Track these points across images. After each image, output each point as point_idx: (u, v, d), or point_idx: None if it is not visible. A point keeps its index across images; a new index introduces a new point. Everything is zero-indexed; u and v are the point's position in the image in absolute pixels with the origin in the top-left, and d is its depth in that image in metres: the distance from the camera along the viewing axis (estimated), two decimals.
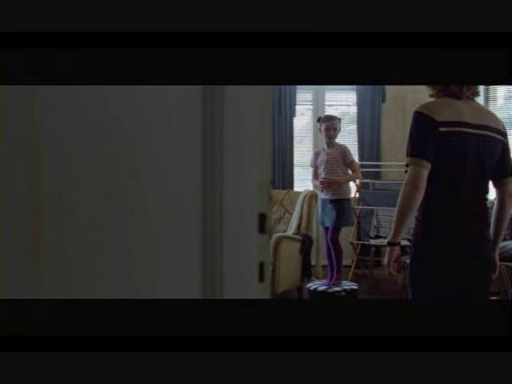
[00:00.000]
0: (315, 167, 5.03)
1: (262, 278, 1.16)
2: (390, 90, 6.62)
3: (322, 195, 4.95)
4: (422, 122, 2.07)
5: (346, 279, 5.28)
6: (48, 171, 0.93)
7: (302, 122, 6.82)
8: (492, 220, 2.25)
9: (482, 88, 5.95)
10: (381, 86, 6.52)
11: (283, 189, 5.93)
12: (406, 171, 2.09)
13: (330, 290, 4.86)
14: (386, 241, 2.21)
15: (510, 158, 2.20)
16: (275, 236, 4.42)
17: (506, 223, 2.26)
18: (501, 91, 5.98)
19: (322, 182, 4.82)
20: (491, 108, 6.04)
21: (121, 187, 1.01)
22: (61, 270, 0.95)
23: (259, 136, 1.14)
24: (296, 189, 6.16)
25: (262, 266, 1.15)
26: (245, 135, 1.12)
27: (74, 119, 0.95)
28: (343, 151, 4.86)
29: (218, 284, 1.09)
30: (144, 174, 1.03)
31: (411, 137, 2.09)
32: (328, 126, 4.89)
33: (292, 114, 6.47)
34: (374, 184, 6.32)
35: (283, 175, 6.43)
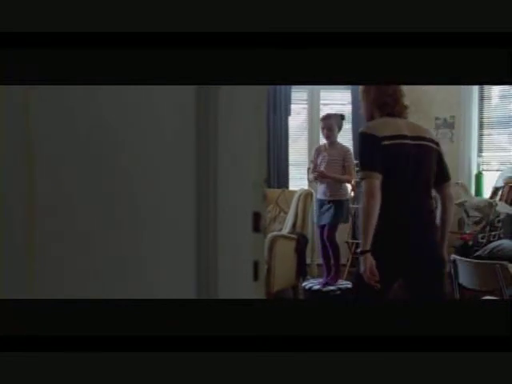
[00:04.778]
0: (315, 164, 4.98)
1: (256, 277, 1.16)
2: None
3: (319, 195, 4.94)
4: (367, 140, 2.39)
5: (342, 278, 5.28)
6: (42, 171, 0.92)
7: (297, 121, 6.82)
8: (438, 221, 2.57)
9: (476, 87, 5.97)
10: None
11: (278, 188, 5.92)
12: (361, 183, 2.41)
13: (325, 289, 4.87)
14: (359, 250, 2.41)
15: (445, 164, 2.57)
16: (270, 235, 4.42)
17: (449, 223, 2.60)
18: (496, 90, 6.00)
19: (316, 171, 4.79)
20: (486, 106, 6.07)
21: (114, 186, 1.00)
22: (54, 270, 0.95)
23: (254, 135, 1.14)
24: (291, 188, 6.15)
25: (256, 265, 1.15)
26: (239, 134, 1.11)
27: (68, 119, 0.95)
28: (345, 154, 4.82)
29: (212, 283, 1.09)
30: (138, 174, 1.03)
31: (360, 154, 2.45)
32: (322, 125, 4.87)
33: (287, 113, 6.47)
34: None
35: (278, 174, 6.42)
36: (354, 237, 6.06)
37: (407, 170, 2.38)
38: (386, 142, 2.35)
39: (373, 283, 2.30)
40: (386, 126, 2.40)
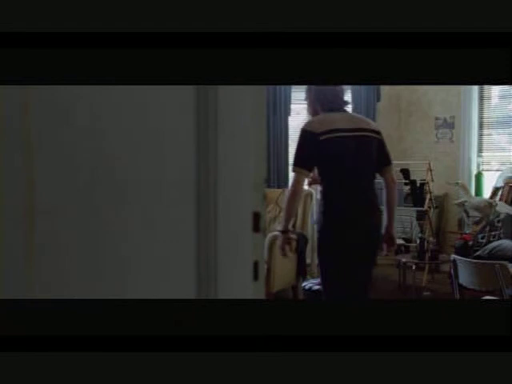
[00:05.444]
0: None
1: (256, 277, 1.16)
2: (385, 89, 6.63)
3: (319, 195, 4.93)
4: (304, 137, 2.65)
5: None
6: (42, 171, 0.92)
7: (297, 121, 6.81)
8: (384, 203, 2.86)
9: (476, 87, 5.97)
10: (376, 85, 6.53)
11: (278, 188, 5.92)
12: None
13: None
14: (279, 229, 2.78)
15: (387, 151, 2.83)
16: (270, 235, 4.41)
17: (394, 203, 2.88)
18: (495, 90, 6.00)
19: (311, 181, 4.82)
20: (486, 106, 6.07)
21: (115, 186, 1.00)
22: (54, 269, 0.95)
23: (253, 135, 1.14)
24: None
25: (256, 264, 1.15)
26: (239, 134, 1.11)
27: (68, 119, 0.95)
28: None
29: (212, 283, 1.09)
30: (138, 174, 1.03)
31: (296, 149, 2.67)
32: None
33: (287, 112, 6.47)
34: None
35: (278, 174, 6.42)
36: None
37: (345, 159, 2.63)
38: (324, 137, 2.60)
39: (283, 255, 2.71)
40: (324, 122, 2.66)
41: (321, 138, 2.60)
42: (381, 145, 2.79)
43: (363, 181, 2.72)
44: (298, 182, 2.67)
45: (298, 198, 2.72)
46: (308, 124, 2.69)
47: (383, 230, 2.84)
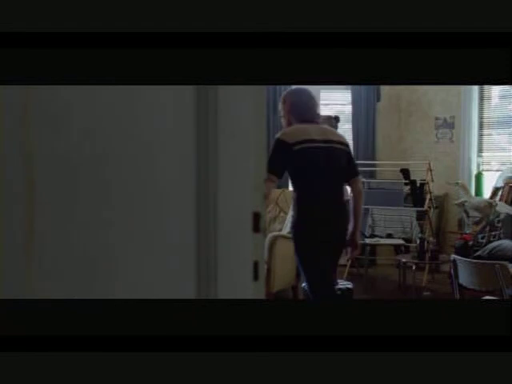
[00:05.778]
0: None
1: (256, 277, 1.16)
2: (385, 88, 6.63)
3: None
4: (278, 146, 2.79)
5: (342, 278, 5.27)
6: (42, 171, 0.92)
7: None
8: (351, 211, 3.05)
9: (476, 87, 5.97)
10: (376, 85, 6.53)
11: (278, 188, 5.92)
12: None
13: None
14: None
15: (354, 163, 3.06)
16: (270, 235, 4.41)
17: (359, 212, 3.08)
18: (496, 90, 6.00)
19: None
20: (486, 106, 6.07)
21: (114, 187, 1.00)
22: (54, 269, 0.95)
23: (253, 135, 1.14)
24: (291, 188, 6.13)
25: (256, 265, 1.15)
26: (239, 135, 1.11)
27: (67, 119, 0.95)
28: None
29: (212, 283, 1.09)
30: (137, 174, 1.03)
31: (269, 156, 2.73)
32: None
33: None
34: (368, 183, 6.32)
35: None
36: None
37: (318, 168, 2.80)
38: (298, 147, 2.76)
39: None
40: (297, 133, 2.82)
41: (294, 148, 2.76)
42: (350, 157, 3.01)
43: (334, 189, 2.92)
44: (266, 187, 2.85)
45: (266, 201, 2.89)
46: (282, 134, 2.84)
47: (348, 236, 3.02)
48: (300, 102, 2.95)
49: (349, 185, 3.06)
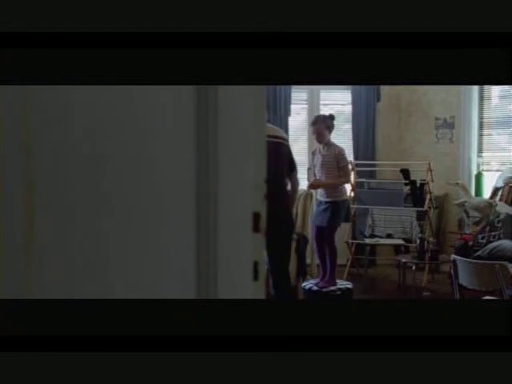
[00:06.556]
0: (313, 166, 5.03)
1: (256, 277, 1.15)
2: (385, 88, 6.63)
3: (318, 196, 4.95)
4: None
5: (341, 278, 5.28)
6: (42, 170, 0.92)
7: (297, 121, 6.82)
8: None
9: (476, 87, 5.97)
10: (376, 85, 6.53)
11: None
12: None
13: (324, 289, 4.86)
14: None
15: (293, 158, 3.63)
16: None
17: (294, 199, 3.69)
18: (496, 90, 5.99)
19: (309, 185, 4.94)
20: (486, 107, 6.07)
21: (114, 186, 1.00)
22: (54, 269, 0.95)
23: (253, 135, 1.14)
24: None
25: (256, 265, 1.15)
26: (239, 135, 1.11)
27: (67, 119, 0.95)
28: (338, 155, 4.79)
29: (212, 283, 1.09)
30: (138, 175, 1.03)
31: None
32: (313, 130, 4.86)
33: (287, 113, 6.47)
34: (368, 183, 6.32)
35: None
36: (353, 237, 6.06)
37: (270, 161, 3.09)
38: None
39: None
40: None
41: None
42: (290, 152, 3.53)
43: (280, 180, 3.38)
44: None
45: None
46: None
47: None
48: None
49: (288, 178, 3.59)
